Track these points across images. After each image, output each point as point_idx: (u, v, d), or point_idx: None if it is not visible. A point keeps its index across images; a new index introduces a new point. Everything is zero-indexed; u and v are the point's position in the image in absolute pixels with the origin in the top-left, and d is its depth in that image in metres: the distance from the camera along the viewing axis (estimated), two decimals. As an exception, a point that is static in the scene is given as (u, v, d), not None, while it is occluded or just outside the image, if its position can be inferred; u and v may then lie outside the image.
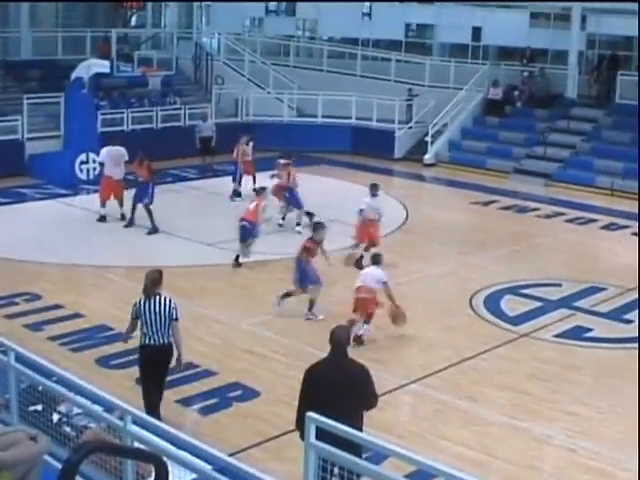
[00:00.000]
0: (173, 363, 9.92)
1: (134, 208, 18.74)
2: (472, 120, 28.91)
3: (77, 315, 13.54)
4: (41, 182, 22.74)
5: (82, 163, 23.38)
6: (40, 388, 8.39)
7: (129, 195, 19.02)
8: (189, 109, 27.57)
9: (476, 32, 32.19)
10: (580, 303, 14.86)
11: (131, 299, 10.07)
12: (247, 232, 16.42)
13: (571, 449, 9.88)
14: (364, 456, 7.13)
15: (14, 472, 5.70)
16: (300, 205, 19.00)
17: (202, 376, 11.42)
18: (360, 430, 7.31)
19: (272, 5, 36.74)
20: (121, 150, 19.42)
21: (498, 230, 20.27)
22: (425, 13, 33.73)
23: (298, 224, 18.89)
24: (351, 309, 12.73)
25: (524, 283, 15.83)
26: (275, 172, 19.63)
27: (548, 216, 21.61)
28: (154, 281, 9.79)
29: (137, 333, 10.04)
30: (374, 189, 16.75)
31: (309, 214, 18.83)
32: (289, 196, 19.00)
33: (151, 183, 18.61)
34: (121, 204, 19.24)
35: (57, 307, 13.85)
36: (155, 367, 9.77)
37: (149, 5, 31.90)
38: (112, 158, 19.39)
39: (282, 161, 19.67)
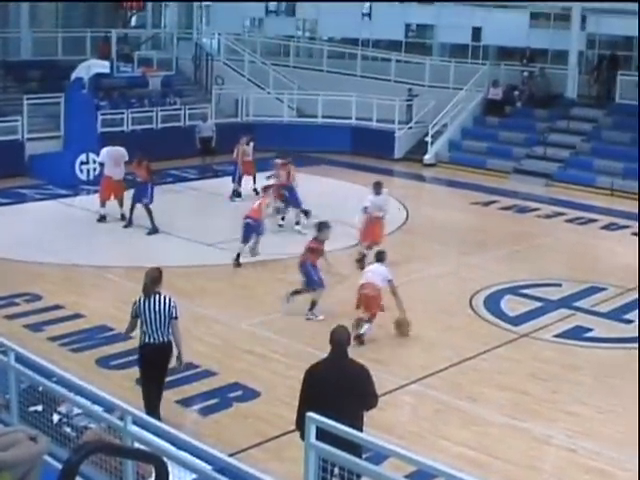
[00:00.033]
0: (173, 362, 9.94)
1: (132, 208, 18.76)
2: (472, 120, 28.91)
3: (77, 315, 13.54)
4: (41, 182, 22.75)
5: (82, 163, 23.38)
6: (40, 388, 8.39)
7: (129, 195, 19.03)
8: (189, 109, 27.57)
9: (476, 32, 32.19)
10: (580, 303, 14.86)
11: (131, 299, 10.07)
12: (251, 229, 16.45)
13: (571, 449, 9.88)
14: (364, 456, 7.13)
15: (14, 472, 5.70)
16: (299, 204, 19.00)
17: (202, 376, 11.42)
18: (360, 430, 7.31)
19: (272, 5, 36.74)
20: (121, 150, 19.42)
21: (498, 230, 20.27)
22: (425, 13, 33.73)
23: (297, 223, 18.91)
24: (355, 305, 12.79)
25: (524, 283, 15.83)
26: (272, 173, 19.60)
27: (548, 216, 21.61)
28: (154, 280, 9.81)
29: (136, 333, 10.05)
30: (378, 187, 16.74)
31: (305, 212, 18.86)
32: (288, 195, 18.99)
33: (150, 183, 18.61)
34: (121, 204, 19.25)
35: (57, 307, 13.85)
36: (155, 366, 9.78)
37: (149, 5, 31.89)
38: (112, 158, 19.39)
39: (279, 161, 19.66)
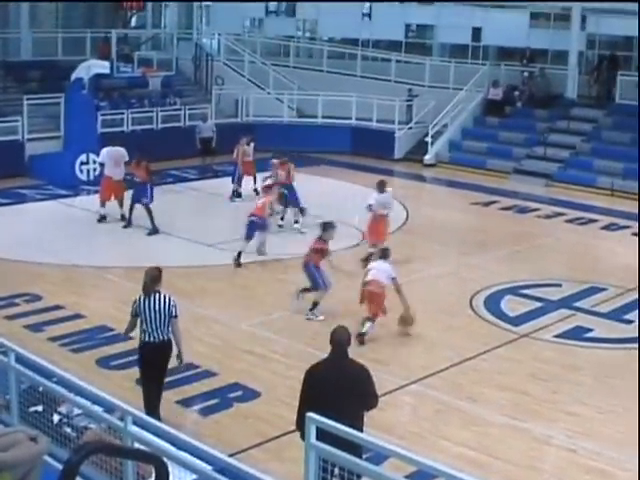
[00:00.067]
0: (173, 361, 9.94)
1: (132, 209, 18.77)
2: (472, 120, 28.91)
3: (77, 316, 13.54)
4: (41, 183, 22.75)
5: (82, 164, 23.39)
6: (40, 389, 8.39)
7: (129, 196, 19.02)
8: (189, 110, 27.57)
9: (476, 32, 32.17)
10: (580, 303, 14.86)
11: (131, 300, 10.07)
12: (255, 227, 16.51)
13: (571, 449, 9.88)
14: (364, 456, 7.13)
15: (14, 473, 5.70)
16: (298, 203, 19.00)
17: (202, 377, 11.42)
18: (360, 430, 7.31)
19: (272, 6, 36.73)
20: (121, 151, 19.42)
21: (498, 230, 20.27)
22: (425, 13, 33.71)
23: (296, 222, 18.93)
24: (358, 300, 12.85)
25: (524, 283, 15.83)
26: (269, 175, 19.56)
27: (548, 216, 21.61)
28: (153, 278, 9.83)
29: (136, 333, 10.06)
30: (382, 186, 16.83)
31: (301, 209, 18.87)
32: (288, 193, 18.98)
33: (149, 183, 18.61)
34: (121, 205, 19.25)
35: (57, 308, 13.85)
36: (155, 365, 9.80)
37: (149, 6, 31.89)
38: (112, 159, 19.40)
39: (276, 161, 19.64)
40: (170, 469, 6.39)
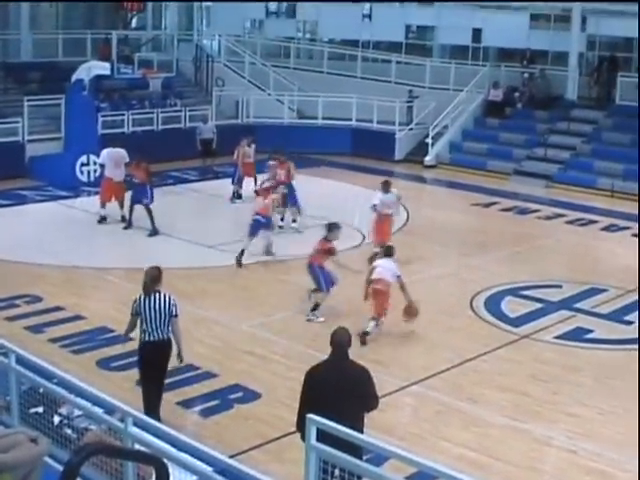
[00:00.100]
0: (173, 362, 9.95)
1: (132, 210, 18.78)
2: (473, 122, 28.92)
3: (78, 317, 13.54)
4: (41, 184, 22.75)
5: (83, 165, 23.40)
6: (41, 390, 8.39)
7: (129, 197, 19.02)
8: (189, 111, 27.58)
9: (476, 34, 32.17)
10: (581, 304, 14.86)
11: (132, 301, 10.07)
12: (259, 226, 16.55)
13: (572, 450, 9.88)
14: (365, 458, 7.13)
15: (15, 474, 5.70)
16: (296, 202, 18.98)
17: (203, 378, 11.42)
18: (361, 432, 7.31)
19: (272, 7, 36.74)
20: (121, 152, 19.41)
21: (499, 231, 20.28)
22: (425, 15, 33.71)
23: (294, 221, 18.93)
24: (362, 297, 12.91)
25: (525, 284, 15.84)
26: (268, 177, 19.53)
27: (548, 217, 21.62)
28: (153, 278, 9.86)
29: (135, 334, 10.06)
30: (386, 186, 16.95)
31: (298, 209, 18.87)
32: (287, 192, 18.98)
33: (148, 184, 18.62)
34: (122, 206, 19.25)
35: (58, 309, 13.85)
36: (155, 364, 9.82)
37: (149, 7, 31.92)
38: (112, 160, 19.40)
39: (272, 162, 19.63)
40: (170, 470, 6.39)
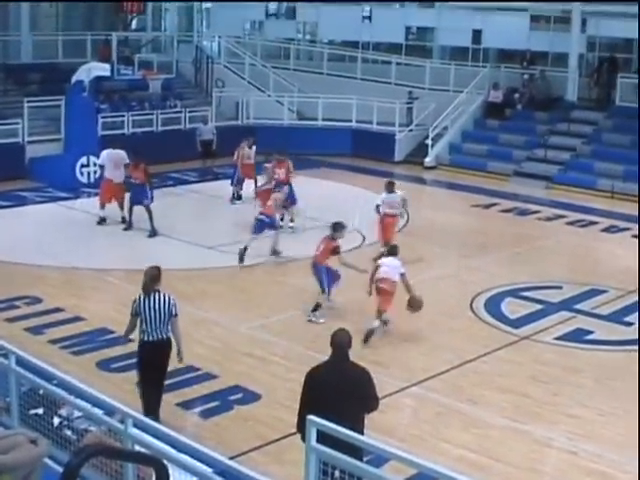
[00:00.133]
0: (173, 363, 9.95)
1: (131, 211, 18.77)
2: (472, 123, 28.92)
3: (77, 318, 13.53)
4: (41, 185, 22.75)
5: (83, 166, 23.40)
6: (41, 391, 8.38)
7: (129, 198, 19.03)
8: (189, 112, 27.58)
9: (476, 35, 32.16)
10: (581, 305, 14.86)
11: (131, 302, 10.07)
12: (263, 225, 16.62)
13: (572, 452, 9.88)
14: (365, 459, 7.12)
15: (14, 475, 5.70)
16: (295, 201, 18.98)
17: (203, 379, 11.42)
18: (361, 433, 7.30)
19: (272, 8, 36.74)
20: (121, 153, 19.40)
21: (499, 233, 20.28)
22: (425, 16, 33.72)
23: (292, 220, 18.93)
24: (367, 293, 13.01)
25: (525, 286, 15.83)
26: (264, 182, 19.52)
27: (549, 219, 21.62)
28: (153, 278, 9.88)
29: (135, 336, 10.06)
30: (390, 186, 17.10)
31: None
32: (287, 192, 19.00)
33: (147, 185, 18.62)
34: (121, 207, 19.24)
35: (57, 310, 13.84)
36: (154, 364, 9.83)
37: (149, 8, 31.94)
38: (112, 161, 19.40)
39: (269, 164, 19.64)
40: (170, 471, 6.39)
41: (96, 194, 20.35)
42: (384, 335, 13.01)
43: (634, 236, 19.72)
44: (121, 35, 26.47)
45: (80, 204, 21.48)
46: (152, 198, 18.61)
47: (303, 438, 6.91)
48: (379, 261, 13.44)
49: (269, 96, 30.29)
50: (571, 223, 21.15)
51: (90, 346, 12.45)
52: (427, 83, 30.12)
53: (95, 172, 22.81)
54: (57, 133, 24.58)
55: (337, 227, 14.05)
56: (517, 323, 13.96)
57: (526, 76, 29.26)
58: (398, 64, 31.17)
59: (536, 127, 27.64)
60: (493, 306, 14.75)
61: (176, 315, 9.82)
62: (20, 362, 8.38)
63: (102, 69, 23.98)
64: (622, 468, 9.49)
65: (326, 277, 13.77)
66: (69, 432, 8.44)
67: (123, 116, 26.24)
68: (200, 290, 15.12)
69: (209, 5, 36.30)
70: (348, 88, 29.68)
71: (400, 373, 11.84)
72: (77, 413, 8.56)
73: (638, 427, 9.86)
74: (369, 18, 34.37)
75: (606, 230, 20.64)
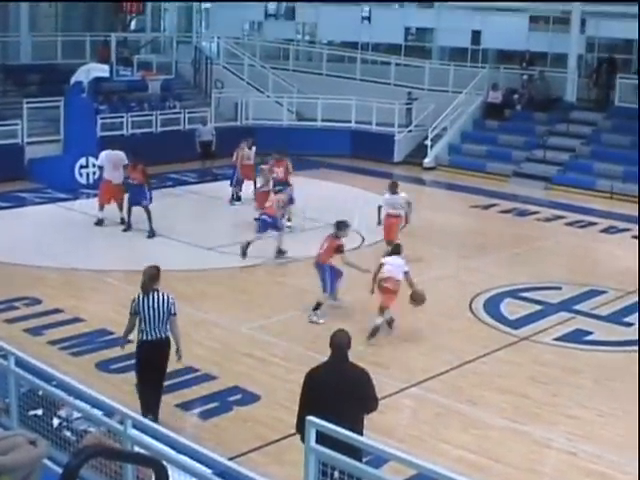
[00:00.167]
0: (172, 364, 9.94)
1: (130, 212, 18.77)
2: (472, 123, 28.92)
3: (77, 319, 13.53)
4: (41, 186, 22.74)
5: (82, 167, 23.39)
6: (40, 392, 8.38)
7: (127, 198, 19.02)
8: (189, 113, 27.59)
9: (475, 35, 32.15)
10: (580, 306, 14.86)
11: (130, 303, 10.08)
12: (267, 225, 16.67)
13: (572, 452, 9.88)
14: (364, 460, 7.12)
15: (14, 476, 5.68)
16: (293, 200, 18.98)
17: (202, 380, 11.42)
18: (361, 434, 7.30)
19: (271, 9, 36.74)
20: (120, 154, 19.39)
21: (498, 233, 20.28)
22: (424, 17, 33.72)
23: (289, 220, 18.94)
24: (370, 291, 13.12)
25: (524, 286, 15.83)
26: (261, 184, 19.53)
27: (548, 219, 21.62)
28: (152, 277, 9.91)
29: (134, 337, 10.06)
30: (393, 187, 17.30)
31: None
32: (285, 191, 19.02)
33: (146, 185, 18.62)
34: (120, 208, 19.23)
35: (57, 311, 13.84)
36: (153, 363, 9.84)
37: (148, 9, 31.91)
38: (111, 162, 19.38)
39: (265, 166, 19.70)
40: (170, 473, 6.38)
41: (95, 195, 20.35)
42: (383, 336, 13.01)
43: (633, 237, 19.72)
44: (120, 36, 26.48)
45: (79, 205, 21.48)
46: (151, 199, 18.61)
47: (302, 439, 6.91)
48: (382, 260, 13.49)
49: (268, 97, 30.29)
50: (570, 224, 21.15)
51: (89, 347, 12.44)
52: (426, 84, 30.11)
53: (94, 173, 22.78)
54: (56, 134, 24.58)
55: (341, 226, 14.13)
56: (516, 324, 13.96)
57: (525, 77, 29.27)
58: (397, 65, 31.18)
59: (535, 128, 27.65)
60: (492, 307, 14.75)
61: (175, 314, 9.85)
62: (19, 363, 8.38)
63: (101, 70, 23.99)
64: (622, 469, 9.49)
65: (329, 276, 13.81)
66: (68, 433, 8.44)
67: (122, 117, 26.24)
68: (199, 291, 15.12)
69: (208, 6, 36.30)
70: (347, 89, 29.69)
71: (399, 374, 11.84)
72: (76, 414, 8.56)
73: (638, 428, 9.86)
74: (368, 19, 34.37)
75: (605, 231, 20.64)
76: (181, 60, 29.10)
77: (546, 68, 29.94)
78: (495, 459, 9.59)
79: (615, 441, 10.13)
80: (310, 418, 6.63)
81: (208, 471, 6.63)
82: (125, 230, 18.86)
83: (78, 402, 7.88)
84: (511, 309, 14.68)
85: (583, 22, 29.09)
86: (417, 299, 13.21)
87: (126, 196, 19.01)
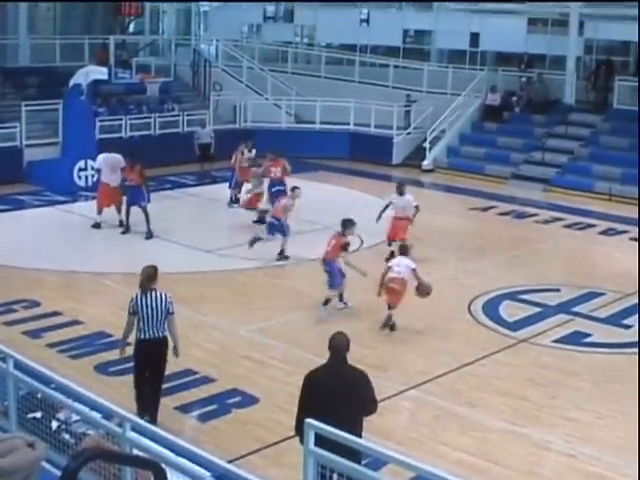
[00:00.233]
0: (171, 366, 9.94)
1: (128, 213, 18.76)
2: (470, 126, 28.93)
3: (76, 322, 13.52)
4: (39, 189, 22.73)
5: (80, 170, 23.38)
6: (39, 395, 8.38)
7: (125, 200, 19.02)
8: (187, 115, 27.60)
9: (474, 38, 32.18)
10: (579, 308, 14.86)
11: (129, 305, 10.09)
12: (274, 228, 16.71)
13: (570, 454, 9.87)
14: (363, 462, 7.12)
15: (12, 479, 5.68)
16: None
17: (201, 382, 11.41)
18: (359, 436, 7.30)
19: (270, 11, 36.76)
20: (117, 157, 19.37)
21: (497, 236, 20.28)
22: (423, 19, 33.75)
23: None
24: (377, 293, 13.25)
25: (522, 289, 15.83)
26: (254, 186, 19.53)
27: (546, 221, 21.62)
28: (149, 276, 9.99)
29: (132, 339, 10.06)
30: (400, 188, 17.58)
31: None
32: (280, 191, 19.02)
33: (143, 186, 18.61)
34: (119, 211, 19.22)
35: (56, 314, 13.83)
36: (151, 363, 9.88)
37: (147, 12, 31.93)
38: (108, 165, 19.38)
39: (255, 169, 19.74)
40: (169, 475, 6.37)
41: (94, 198, 20.34)
42: (382, 338, 13.03)
43: (632, 239, 19.72)
44: (119, 38, 26.52)
45: (78, 208, 21.47)
46: (149, 199, 18.61)
47: (301, 441, 6.91)
48: (389, 263, 13.58)
49: (267, 99, 30.31)
50: (569, 226, 21.15)
51: (88, 349, 12.44)
52: (425, 86, 30.12)
53: (93, 176, 22.77)
54: (55, 137, 24.59)
55: (347, 224, 14.27)
56: (515, 326, 13.96)
57: (524, 79, 29.28)
58: (396, 67, 31.19)
59: (534, 130, 27.66)
60: (491, 309, 14.75)
61: (173, 313, 9.91)
62: (18, 366, 8.38)
63: (100, 73, 23.98)
64: (621, 471, 9.48)
65: (336, 273, 13.86)
66: (67, 436, 8.44)
67: (121, 119, 26.24)
68: (198, 293, 15.11)
69: (207, 8, 36.33)
70: (346, 91, 29.71)
71: (398, 376, 11.83)
72: (75, 417, 8.56)
73: (638, 430, 9.86)
74: (367, 21, 34.40)
75: (604, 233, 20.64)
76: (180, 63, 29.13)
77: (544, 70, 29.95)
78: (494, 461, 9.58)
79: (614, 443, 10.13)
80: (309, 420, 6.63)
81: (207, 474, 6.64)
82: (124, 233, 18.85)
83: (77, 405, 7.88)
84: (510, 311, 14.68)
85: (581, 24, 29.11)
86: (422, 291, 13.34)
87: (124, 198, 19.00)
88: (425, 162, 27.73)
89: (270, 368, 12.03)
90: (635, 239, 19.46)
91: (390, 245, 16.86)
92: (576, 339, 13.48)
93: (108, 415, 7.60)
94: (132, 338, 10.11)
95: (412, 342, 13.15)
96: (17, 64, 28.14)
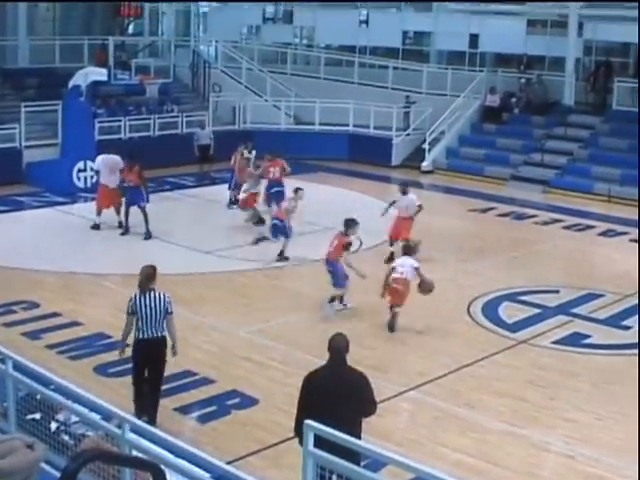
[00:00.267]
0: (170, 368, 9.94)
1: (127, 214, 18.75)
2: (469, 127, 28.94)
3: (75, 323, 13.52)
4: (39, 190, 22.73)
5: (79, 171, 23.37)
6: (38, 396, 8.38)
7: (124, 201, 19.02)
8: (186, 117, 27.60)
9: (473, 39, 32.21)
10: (578, 309, 14.86)
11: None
12: (277, 230, 16.76)
13: (570, 456, 9.87)
14: (362, 463, 7.12)
15: (11, 481, 5.68)
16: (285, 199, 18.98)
17: (200, 384, 11.41)
18: (359, 437, 7.30)
19: (269, 13, 36.77)
20: (116, 158, 19.37)
21: (496, 237, 20.28)
22: (422, 20, 33.78)
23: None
24: (380, 294, 13.32)
25: (522, 290, 15.83)
26: (249, 185, 19.54)
27: (546, 223, 21.62)
28: (148, 276, 10.02)
29: (131, 340, 10.06)
30: (404, 188, 17.68)
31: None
32: (279, 192, 19.00)
33: (142, 187, 18.61)
34: (118, 212, 19.22)
35: (55, 315, 13.83)
36: (150, 362, 9.89)
37: (146, 13, 31.92)
38: (107, 166, 19.37)
39: (253, 170, 19.74)
40: (168, 476, 6.37)
41: (93, 199, 20.34)
42: (382, 339, 13.03)
43: (631, 240, 19.73)
44: (118, 40, 26.52)
45: (77, 209, 21.47)
46: (148, 200, 18.61)
47: (301, 442, 6.91)
48: (393, 263, 13.59)
49: (266, 101, 30.31)
50: (568, 227, 21.16)
51: (87, 351, 12.43)
52: (424, 87, 30.14)
53: (92, 177, 22.78)
54: (54, 138, 24.58)
55: (350, 223, 14.32)
56: (514, 327, 13.96)
57: (523, 80, 29.30)
58: (395, 68, 31.20)
59: (533, 131, 27.67)
60: (490, 310, 14.75)
61: (171, 313, 9.92)
62: (17, 367, 8.38)
63: (99, 74, 23.98)
64: (620, 472, 9.48)
65: (340, 271, 13.88)
66: (66, 437, 8.44)
67: (120, 121, 26.24)
68: (198, 295, 15.10)
69: (206, 9, 36.33)
70: (345, 92, 29.71)
71: (397, 377, 11.83)
72: (74, 418, 8.56)
73: (637, 431, 9.86)
74: (366, 23, 34.41)
75: (603, 234, 20.64)
76: (179, 64, 29.13)
77: (544, 71, 29.99)
78: (493, 462, 9.58)
79: (614, 444, 10.13)
80: (308, 422, 6.63)
81: (206, 475, 6.64)
82: (123, 234, 18.84)
83: (76, 406, 7.88)
84: (509, 312, 14.68)
85: (580, 25, 29.13)
86: (425, 288, 13.39)
87: (123, 199, 19.00)
88: (424, 163, 27.73)
89: (269, 369, 12.02)
90: (635, 240, 19.46)
91: (391, 245, 16.88)
92: (575, 340, 13.48)
93: (107, 416, 7.60)
94: (131, 338, 10.12)
95: (411, 343, 13.15)
96: (16, 65, 28.14)
